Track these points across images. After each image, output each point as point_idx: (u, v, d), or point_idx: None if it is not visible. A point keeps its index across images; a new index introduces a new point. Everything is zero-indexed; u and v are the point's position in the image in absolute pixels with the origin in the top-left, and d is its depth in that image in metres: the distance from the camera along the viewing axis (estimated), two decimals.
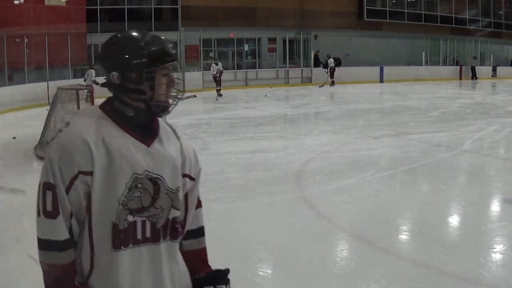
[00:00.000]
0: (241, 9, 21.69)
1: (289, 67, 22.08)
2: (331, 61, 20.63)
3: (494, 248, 3.61)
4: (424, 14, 26.30)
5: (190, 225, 1.46)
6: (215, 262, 3.72)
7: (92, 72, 13.49)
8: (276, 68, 21.81)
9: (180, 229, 1.39)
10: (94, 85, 12.36)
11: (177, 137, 1.53)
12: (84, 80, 13.14)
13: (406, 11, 25.78)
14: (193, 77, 19.27)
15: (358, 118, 10.71)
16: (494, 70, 25.71)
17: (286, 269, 3.33)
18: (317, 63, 22.27)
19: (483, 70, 24.11)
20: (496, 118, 10.37)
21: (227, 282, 1.43)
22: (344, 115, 11.58)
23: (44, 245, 1.31)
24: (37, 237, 1.32)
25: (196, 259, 1.48)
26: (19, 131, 9.35)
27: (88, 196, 1.27)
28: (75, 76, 17.06)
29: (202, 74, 19.64)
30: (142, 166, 1.30)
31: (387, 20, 25.13)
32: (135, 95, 1.33)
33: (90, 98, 7.16)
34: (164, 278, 1.33)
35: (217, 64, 16.54)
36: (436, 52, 26.47)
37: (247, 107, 13.44)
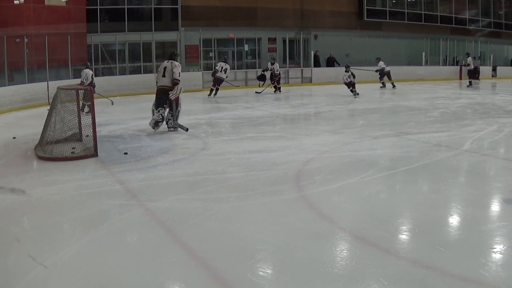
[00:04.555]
0: (241, 9, 21.70)
1: (289, 67, 22.08)
2: (276, 66, 17.90)
3: (494, 248, 3.61)
4: (424, 14, 26.30)
5: None
6: (215, 261, 3.73)
7: (89, 72, 12.86)
8: None
9: None
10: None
11: None
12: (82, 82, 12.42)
13: (406, 11, 25.79)
14: (193, 77, 19.29)
15: (358, 118, 10.71)
16: (494, 70, 25.71)
17: (286, 269, 3.33)
18: (317, 63, 22.28)
19: (483, 70, 24.11)
20: (496, 118, 10.37)
21: None
22: (344, 115, 11.58)
23: None
24: None
25: None
26: (19, 131, 9.36)
27: None
28: (75, 76, 17.08)
29: (202, 74, 19.66)
30: None
31: (387, 20, 25.13)
32: None
33: (91, 99, 7.17)
34: None
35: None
36: (436, 52, 26.49)
37: (247, 107, 13.44)
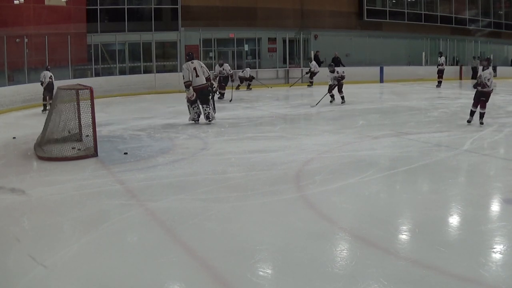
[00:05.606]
0: (241, 9, 21.68)
1: (289, 67, 22.07)
2: (226, 67, 16.19)
3: (494, 248, 3.61)
4: (424, 14, 26.29)
5: None
6: (215, 261, 3.72)
7: (50, 73, 13.22)
8: (276, 68, 21.80)
9: None
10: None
11: None
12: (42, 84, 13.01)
13: (406, 11, 25.77)
14: None
15: (358, 118, 10.71)
16: (494, 70, 25.69)
17: (286, 269, 3.33)
18: (317, 63, 22.22)
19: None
20: (496, 118, 10.36)
21: None
22: (344, 115, 11.58)
23: None
24: None
25: None
26: (19, 131, 9.36)
27: None
28: (75, 76, 17.08)
29: None
30: None
31: (387, 20, 25.11)
32: None
33: (91, 99, 7.16)
34: None
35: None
36: (436, 52, 26.46)
37: (247, 107, 13.43)
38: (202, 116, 10.12)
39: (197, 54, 20.75)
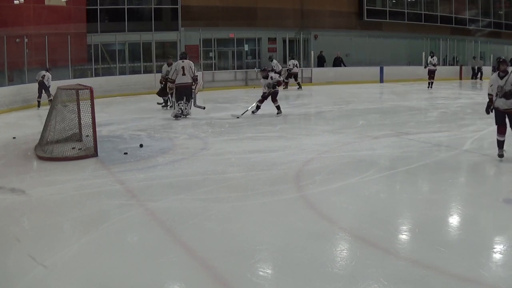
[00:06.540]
0: (241, 9, 21.68)
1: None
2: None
3: (494, 248, 3.62)
4: (424, 14, 26.28)
5: None
6: (215, 261, 3.73)
7: (44, 73, 13.52)
8: None
9: None
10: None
11: None
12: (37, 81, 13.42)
13: (406, 11, 25.76)
14: None
15: (358, 118, 10.71)
16: (494, 70, 25.68)
17: (286, 269, 3.33)
18: (321, 63, 22.25)
19: (483, 70, 24.08)
20: None
21: None
22: (344, 115, 11.57)
23: None
24: None
25: None
26: (19, 131, 9.36)
27: None
28: (75, 76, 17.08)
29: (202, 74, 19.64)
30: None
31: (387, 20, 25.11)
32: None
33: (91, 99, 7.16)
34: None
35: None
36: (436, 52, 26.49)
37: (247, 107, 13.40)
38: (186, 112, 10.90)
39: (197, 54, 20.81)
